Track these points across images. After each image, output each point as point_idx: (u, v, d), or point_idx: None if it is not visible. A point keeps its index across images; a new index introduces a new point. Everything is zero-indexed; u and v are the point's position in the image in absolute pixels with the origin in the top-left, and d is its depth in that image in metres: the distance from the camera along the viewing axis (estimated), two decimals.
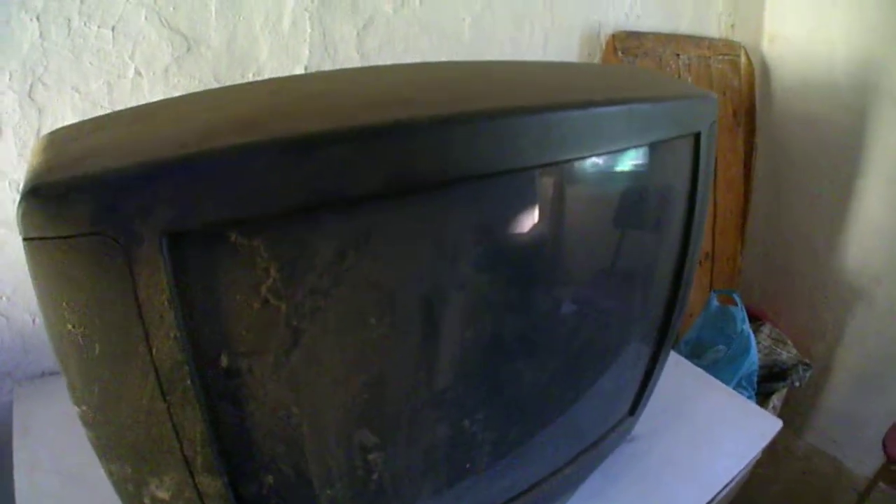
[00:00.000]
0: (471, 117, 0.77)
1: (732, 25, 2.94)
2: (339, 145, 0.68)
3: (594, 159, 0.95)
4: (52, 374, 1.75)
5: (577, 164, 0.93)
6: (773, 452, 2.91)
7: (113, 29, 1.47)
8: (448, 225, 0.85)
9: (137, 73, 1.55)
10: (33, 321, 1.68)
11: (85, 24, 1.44)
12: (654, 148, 1.03)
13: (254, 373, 0.76)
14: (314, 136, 0.68)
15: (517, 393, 1.08)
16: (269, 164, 0.65)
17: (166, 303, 0.65)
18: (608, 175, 1.02)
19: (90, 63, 1.48)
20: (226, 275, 0.70)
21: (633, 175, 1.05)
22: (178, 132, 0.71)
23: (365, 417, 0.91)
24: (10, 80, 1.41)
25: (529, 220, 0.92)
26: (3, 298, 1.62)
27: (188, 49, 1.59)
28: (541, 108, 0.84)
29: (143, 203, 0.61)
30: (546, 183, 0.92)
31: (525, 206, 0.91)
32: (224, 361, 0.73)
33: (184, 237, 0.64)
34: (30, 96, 1.44)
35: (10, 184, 1.50)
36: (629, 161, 1.02)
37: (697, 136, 1.08)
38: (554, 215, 0.96)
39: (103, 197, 0.60)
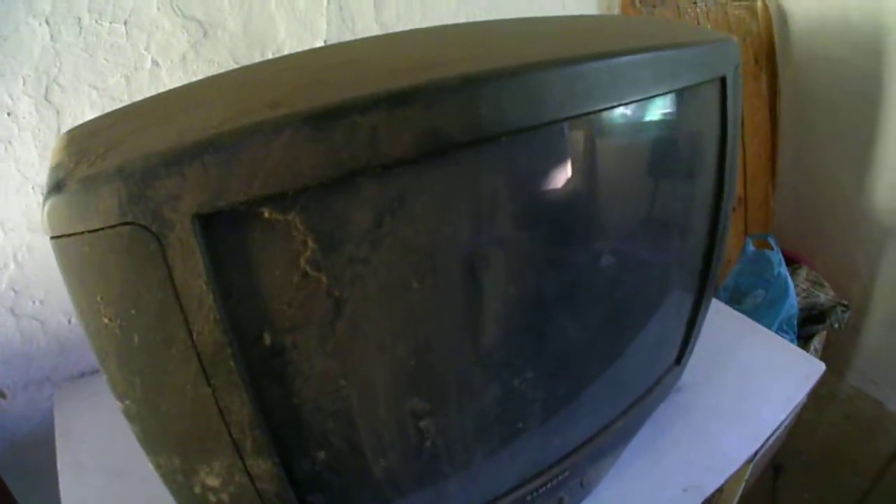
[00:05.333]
0: (497, 75, 0.76)
1: None
2: (365, 113, 0.67)
3: (625, 109, 0.94)
4: (90, 373, 1.76)
5: (607, 114, 0.92)
6: (816, 396, 2.92)
7: (125, 23, 1.46)
8: (482, 184, 0.84)
9: (155, 63, 1.54)
10: (69, 321, 1.69)
11: (96, 21, 1.43)
12: (682, 94, 1.01)
13: (298, 348, 0.76)
14: (338, 107, 0.67)
15: (564, 349, 1.08)
16: (295, 138, 0.64)
17: (204, 286, 0.65)
18: (640, 125, 1.01)
19: (105, 59, 1.47)
20: (262, 251, 0.69)
21: (665, 123, 1.04)
22: (199, 116, 0.71)
23: (414, 384, 0.91)
24: (24, 85, 1.41)
25: (564, 173, 0.91)
26: (36, 302, 1.63)
27: (204, 34, 1.57)
28: (567, 60, 0.83)
29: (171, 188, 0.61)
30: (577, 136, 0.91)
31: (558, 159, 0.90)
32: (267, 339, 0.73)
33: (216, 218, 0.64)
34: (46, 99, 1.44)
35: (33, 188, 1.50)
36: (659, 109, 1.01)
37: (723, 80, 1.07)
38: (588, 168, 0.95)
39: (131, 186, 0.60)
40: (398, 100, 0.69)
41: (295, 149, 0.64)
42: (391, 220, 0.75)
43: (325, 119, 0.66)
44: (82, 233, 0.61)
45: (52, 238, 0.62)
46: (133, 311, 0.65)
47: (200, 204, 0.62)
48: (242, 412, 0.72)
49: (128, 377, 0.69)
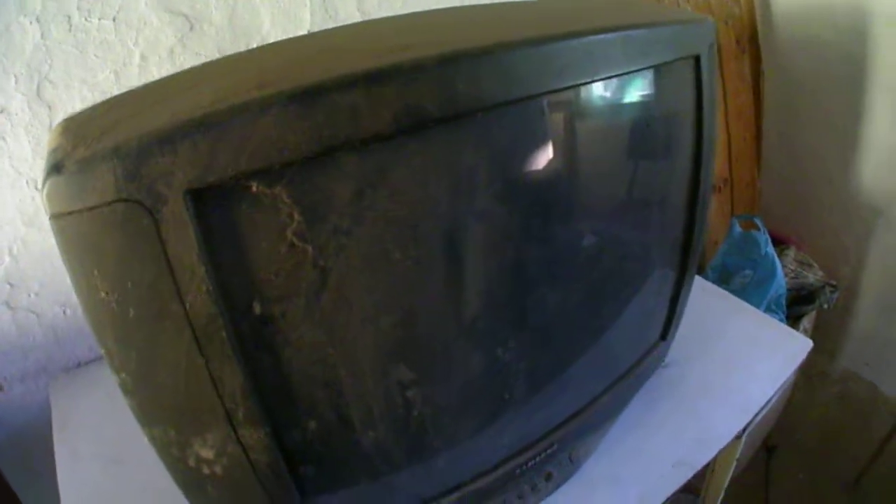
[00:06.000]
0: (468, 54, 0.78)
1: None
2: (346, 91, 0.69)
3: (599, 86, 0.96)
4: (86, 363, 1.78)
5: (580, 91, 0.94)
6: (808, 377, 2.94)
7: (114, 20, 1.48)
8: (458, 157, 0.85)
9: (143, 58, 1.56)
10: (64, 312, 1.70)
11: (85, 18, 1.45)
12: (656, 72, 1.03)
13: (287, 317, 0.78)
14: (321, 85, 0.69)
15: (547, 321, 1.09)
16: (281, 115, 0.66)
17: (196, 258, 0.67)
18: (615, 102, 1.02)
19: (95, 55, 1.49)
20: (251, 224, 0.71)
21: (640, 100, 1.05)
22: (190, 98, 0.73)
23: (400, 353, 0.92)
24: (16, 83, 1.42)
25: (538, 148, 0.93)
26: (32, 295, 1.64)
27: (191, 28, 1.59)
28: (537, 39, 0.84)
29: (164, 165, 0.63)
30: (551, 112, 0.92)
31: (533, 134, 0.92)
32: (257, 309, 0.75)
33: (207, 193, 0.66)
34: (38, 95, 1.46)
35: (27, 182, 1.52)
36: (634, 87, 1.03)
37: (697, 59, 1.08)
38: (563, 144, 0.96)
39: (126, 164, 0.62)
40: (375, 78, 0.71)
41: (280, 125, 0.66)
42: (372, 193, 0.77)
43: (308, 97, 0.68)
44: (80, 211, 0.63)
45: (52, 217, 0.64)
46: (129, 285, 0.67)
47: (192, 179, 0.64)
48: (234, 382, 0.74)
49: (124, 350, 0.71)
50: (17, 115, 1.46)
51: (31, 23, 1.39)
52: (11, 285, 1.60)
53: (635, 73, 1.00)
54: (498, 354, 1.02)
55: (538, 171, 0.95)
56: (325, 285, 0.78)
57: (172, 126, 0.64)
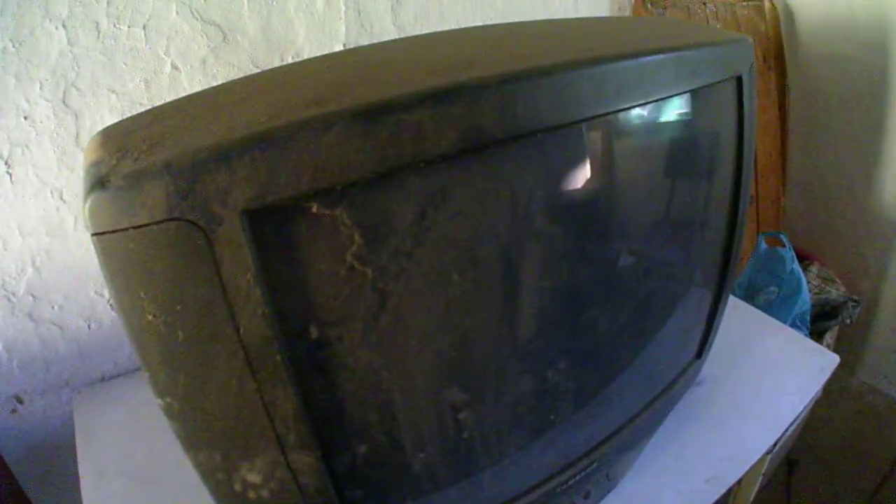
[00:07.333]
0: (536, 73, 0.77)
1: None
2: (411, 110, 0.68)
3: (650, 107, 0.96)
4: (111, 378, 1.76)
5: (635, 112, 0.94)
6: (828, 392, 2.93)
7: (144, 27, 1.47)
8: (519, 178, 0.84)
9: (174, 67, 1.54)
10: (88, 326, 1.68)
11: (114, 25, 1.43)
12: (703, 92, 1.03)
13: (343, 341, 0.76)
14: (387, 103, 0.68)
15: (595, 341, 1.09)
16: (345, 133, 0.64)
17: (251, 280, 0.65)
18: (664, 123, 1.02)
19: (124, 63, 1.47)
20: (310, 246, 0.70)
21: (687, 121, 1.06)
22: (243, 113, 0.71)
23: (454, 375, 0.91)
24: (41, 89, 1.41)
25: (596, 170, 0.92)
26: (55, 307, 1.62)
27: (224, 38, 1.57)
28: (599, 59, 0.84)
29: (220, 184, 0.61)
30: (608, 133, 0.92)
31: (590, 157, 0.91)
32: (313, 333, 0.73)
33: (264, 213, 0.64)
34: (64, 103, 1.44)
35: (51, 192, 1.50)
36: (682, 108, 1.03)
37: (739, 79, 1.08)
38: (618, 165, 0.96)
39: (179, 181, 0.60)
40: (443, 97, 0.70)
41: (344, 144, 0.65)
42: (434, 214, 0.75)
43: (374, 115, 0.66)
44: (127, 229, 0.60)
45: (94, 235, 0.61)
46: (178, 307, 0.65)
47: (249, 199, 0.62)
48: (287, 406, 0.72)
49: (171, 374, 0.69)
50: (41, 122, 1.44)
51: (56, 28, 1.38)
52: (34, 297, 1.58)
53: (685, 94, 1.00)
54: (548, 376, 1.01)
55: (593, 195, 0.95)
56: (384, 308, 0.77)
57: (230, 141, 0.62)
